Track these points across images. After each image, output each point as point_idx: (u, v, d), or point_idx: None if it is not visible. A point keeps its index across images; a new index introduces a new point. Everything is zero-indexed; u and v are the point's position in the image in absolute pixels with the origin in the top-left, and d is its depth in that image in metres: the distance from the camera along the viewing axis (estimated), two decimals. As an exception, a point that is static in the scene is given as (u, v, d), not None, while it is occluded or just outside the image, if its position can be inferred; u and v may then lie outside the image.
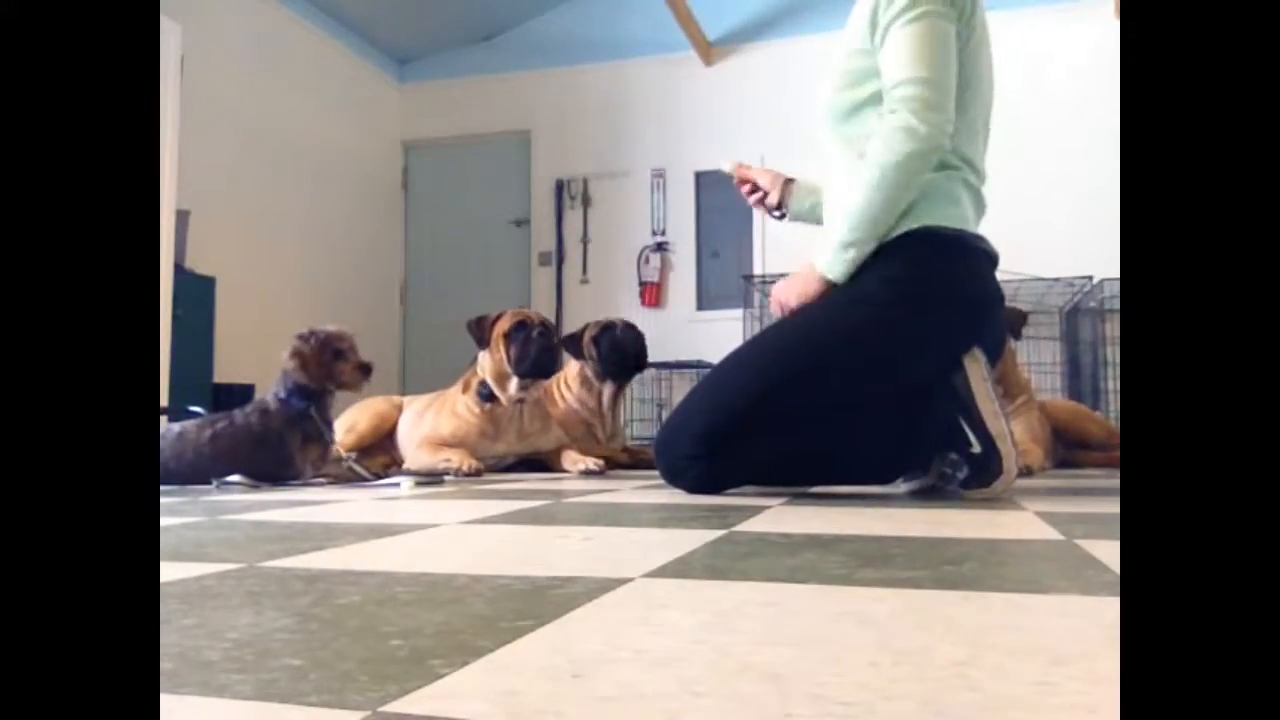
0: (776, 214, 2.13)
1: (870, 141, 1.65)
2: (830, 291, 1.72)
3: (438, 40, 6.58)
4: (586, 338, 3.26)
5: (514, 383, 2.84)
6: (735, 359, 1.83)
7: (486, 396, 2.86)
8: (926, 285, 1.66)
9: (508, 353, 2.81)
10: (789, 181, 2.09)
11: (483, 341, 2.86)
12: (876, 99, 1.69)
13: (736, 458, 1.73)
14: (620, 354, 3.23)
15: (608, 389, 3.29)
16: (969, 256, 1.71)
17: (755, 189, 2.13)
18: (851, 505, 1.53)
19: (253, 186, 5.27)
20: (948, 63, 1.63)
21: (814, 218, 2.03)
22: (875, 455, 1.77)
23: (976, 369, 1.67)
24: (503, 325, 2.85)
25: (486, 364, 2.87)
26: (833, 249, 1.70)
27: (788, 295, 1.78)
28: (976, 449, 1.67)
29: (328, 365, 2.30)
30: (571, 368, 3.31)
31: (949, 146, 1.64)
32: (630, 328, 3.31)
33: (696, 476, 1.76)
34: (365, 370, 2.37)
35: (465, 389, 2.92)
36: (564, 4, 6.46)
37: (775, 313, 1.85)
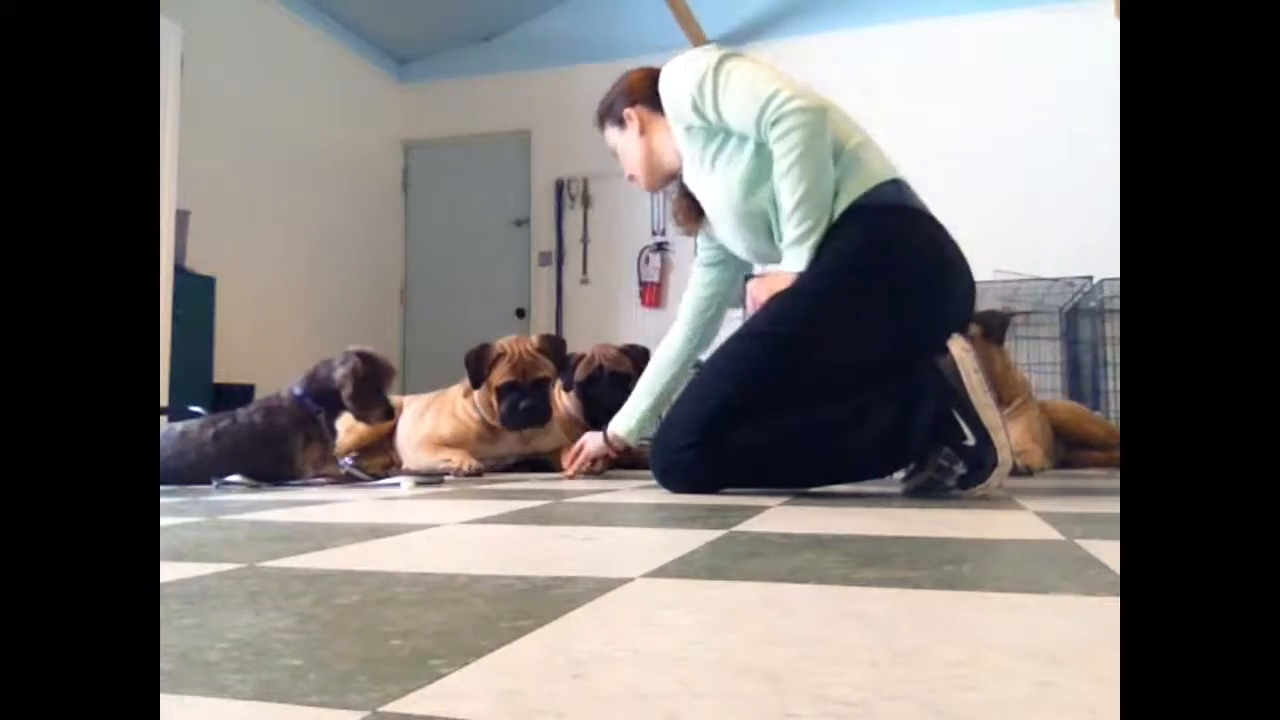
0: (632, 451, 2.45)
1: (774, 160, 1.76)
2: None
3: (438, 40, 6.58)
4: (578, 376, 3.16)
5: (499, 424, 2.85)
6: (719, 353, 1.89)
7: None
8: (878, 250, 1.74)
9: (498, 403, 2.82)
10: (604, 431, 2.34)
11: (478, 381, 2.83)
12: (757, 151, 1.81)
13: (727, 447, 1.76)
14: (600, 409, 3.09)
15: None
16: (909, 218, 1.79)
17: (594, 462, 2.40)
18: (851, 505, 1.53)
19: (253, 186, 5.27)
20: (775, 74, 1.79)
21: (658, 413, 2.23)
22: (866, 447, 1.75)
23: (968, 359, 1.67)
24: (497, 377, 2.81)
25: (478, 395, 2.87)
26: (791, 247, 1.79)
27: (760, 291, 1.85)
28: (970, 441, 1.67)
29: (369, 394, 2.30)
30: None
31: (827, 117, 1.76)
32: (617, 377, 3.10)
33: (688, 467, 1.78)
34: (389, 414, 2.38)
35: (466, 393, 2.92)
36: (564, 4, 6.46)
37: (749, 309, 1.90)
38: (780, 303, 1.79)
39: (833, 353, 1.74)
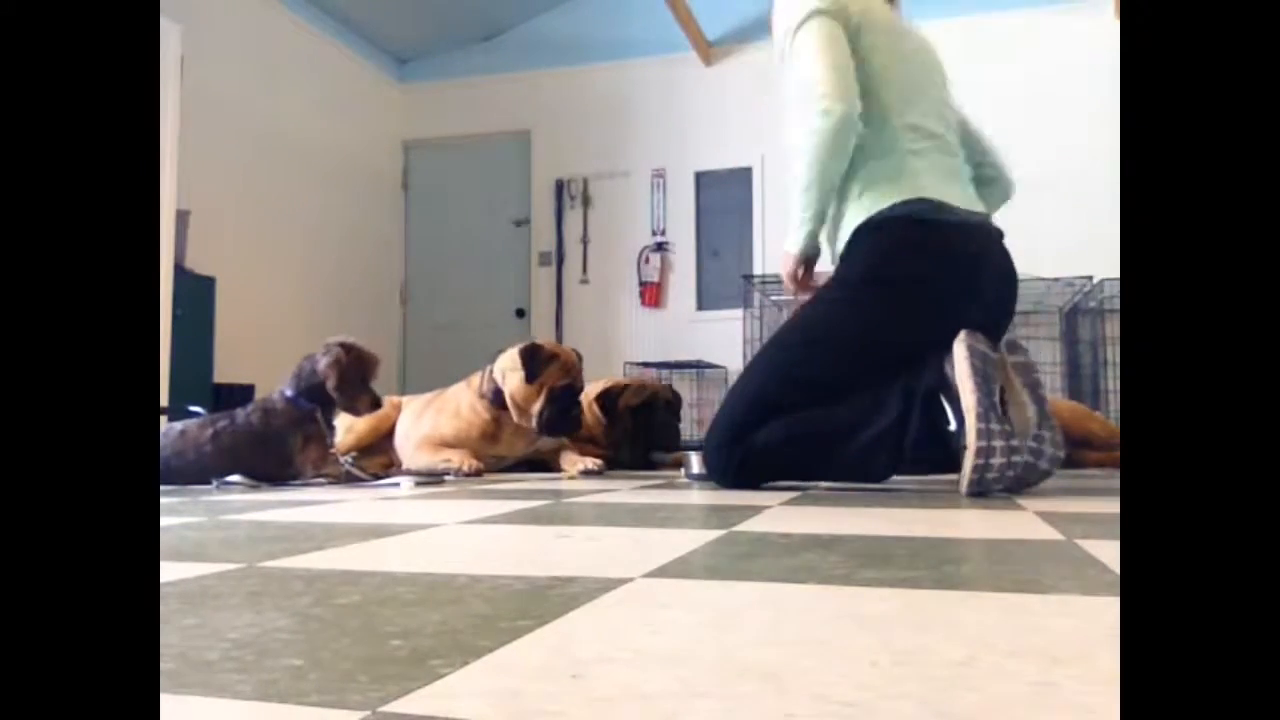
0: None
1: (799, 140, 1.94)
2: (797, 261, 2.04)
3: (438, 40, 6.58)
4: (631, 401, 3.23)
5: (534, 422, 2.83)
6: (752, 363, 2.06)
7: (500, 405, 2.85)
8: (879, 267, 1.88)
9: (545, 404, 2.81)
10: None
11: (532, 376, 2.81)
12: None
13: (750, 447, 1.89)
14: (653, 434, 3.23)
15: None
16: (926, 230, 1.86)
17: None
18: (851, 505, 1.53)
19: (253, 186, 5.27)
20: (835, 58, 1.88)
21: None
22: (875, 436, 1.81)
23: (961, 349, 1.69)
24: (553, 377, 2.82)
25: (515, 387, 2.82)
26: (792, 229, 2.01)
27: (782, 269, 2.09)
28: (952, 426, 1.69)
29: (355, 384, 2.30)
30: (591, 388, 3.27)
31: (858, 124, 1.87)
32: (670, 406, 3.33)
33: (722, 467, 1.93)
34: (376, 404, 2.39)
35: (479, 394, 2.88)
36: (564, 4, 6.46)
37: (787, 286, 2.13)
38: (801, 312, 1.96)
39: (840, 357, 1.86)
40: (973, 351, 1.68)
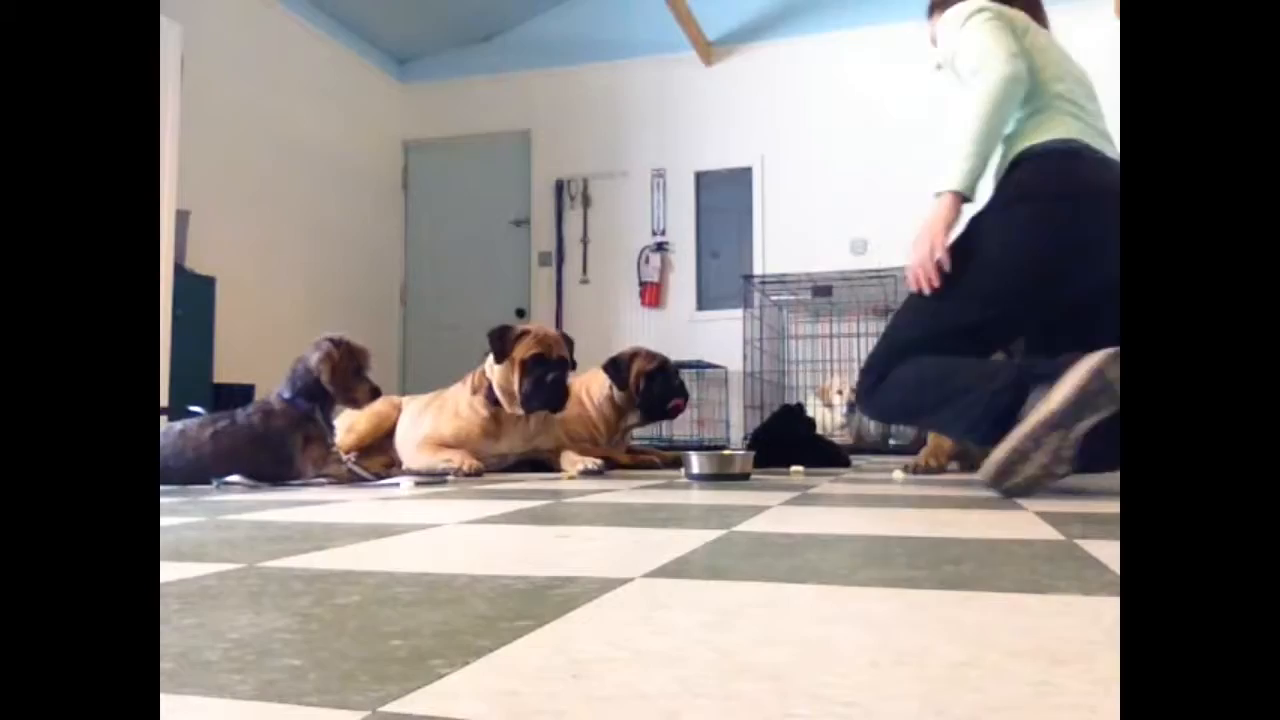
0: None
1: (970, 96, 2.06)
2: (954, 201, 2.01)
3: (438, 40, 6.58)
4: (637, 370, 3.23)
5: (519, 405, 2.83)
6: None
7: (496, 401, 2.85)
8: (1028, 184, 1.97)
9: (521, 379, 2.79)
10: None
11: (501, 356, 2.81)
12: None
13: (887, 380, 2.00)
14: (668, 402, 3.23)
15: (634, 416, 3.29)
16: (1053, 160, 1.95)
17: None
18: (852, 505, 1.53)
19: (253, 186, 5.27)
20: (1006, 39, 2.06)
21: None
22: (967, 384, 1.85)
23: (1087, 366, 1.67)
24: (523, 350, 2.80)
25: (496, 374, 2.84)
26: (954, 164, 2.02)
27: (921, 250, 2.00)
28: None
29: (349, 377, 2.33)
30: (601, 378, 3.27)
31: (1026, 81, 2.02)
32: (677, 375, 3.36)
33: (868, 391, 2.06)
34: (375, 393, 2.41)
35: (474, 390, 2.90)
36: (564, 4, 6.46)
37: (912, 281, 2.07)
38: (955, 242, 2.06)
39: (982, 276, 1.94)
40: (1095, 375, 1.65)
